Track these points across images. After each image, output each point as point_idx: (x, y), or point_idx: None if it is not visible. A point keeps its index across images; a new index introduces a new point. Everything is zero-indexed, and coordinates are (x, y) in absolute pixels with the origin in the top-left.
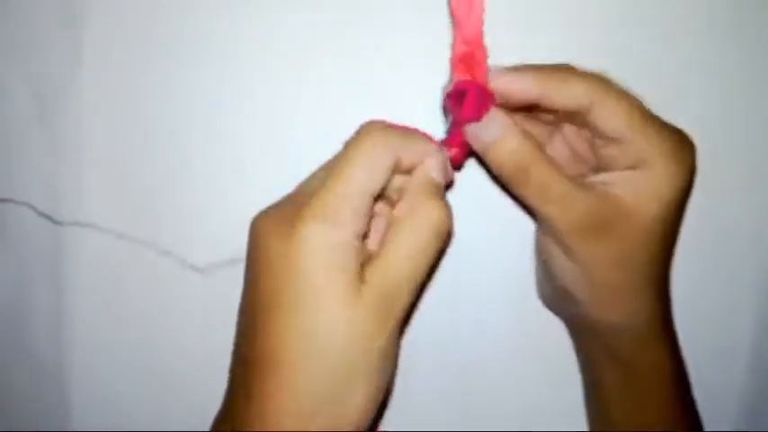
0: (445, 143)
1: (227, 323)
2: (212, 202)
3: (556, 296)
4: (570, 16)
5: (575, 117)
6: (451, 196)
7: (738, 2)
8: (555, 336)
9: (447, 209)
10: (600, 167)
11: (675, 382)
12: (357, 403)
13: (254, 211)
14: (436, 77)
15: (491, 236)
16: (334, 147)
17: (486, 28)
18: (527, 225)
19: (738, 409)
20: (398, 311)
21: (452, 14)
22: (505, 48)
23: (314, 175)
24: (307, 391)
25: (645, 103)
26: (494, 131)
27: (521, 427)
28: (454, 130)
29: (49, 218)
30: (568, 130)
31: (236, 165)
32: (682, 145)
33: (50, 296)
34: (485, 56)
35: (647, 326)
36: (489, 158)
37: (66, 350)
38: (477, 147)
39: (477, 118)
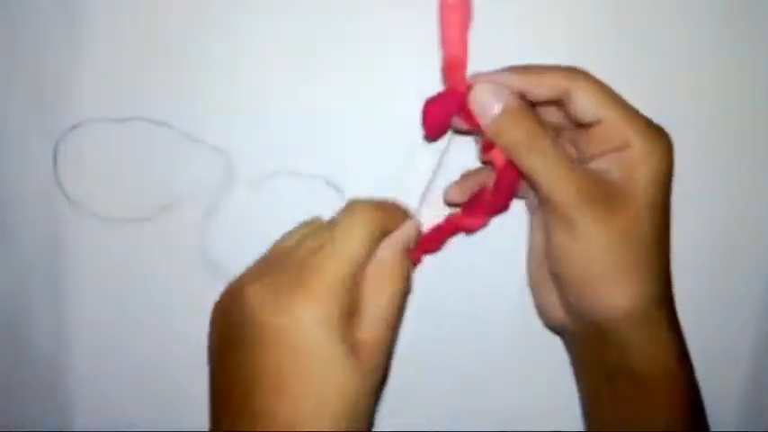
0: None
1: None
2: (214, 199)
3: (555, 292)
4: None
5: (560, 108)
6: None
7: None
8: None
9: (410, 272)
10: (587, 159)
11: (680, 387)
12: None
13: (254, 207)
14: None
15: (491, 234)
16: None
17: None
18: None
19: (738, 409)
20: (383, 366)
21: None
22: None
23: (297, 241)
24: None
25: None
26: (493, 96)
27: (521, 427)
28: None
29: (49, 216)
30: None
31: (237, 163)
32: (654, 126)
33: (50, 295)
34: (464, 68)
35: (649, 313)
36: (496, 126)
37: (66, 350)
38: (483, 117)
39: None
